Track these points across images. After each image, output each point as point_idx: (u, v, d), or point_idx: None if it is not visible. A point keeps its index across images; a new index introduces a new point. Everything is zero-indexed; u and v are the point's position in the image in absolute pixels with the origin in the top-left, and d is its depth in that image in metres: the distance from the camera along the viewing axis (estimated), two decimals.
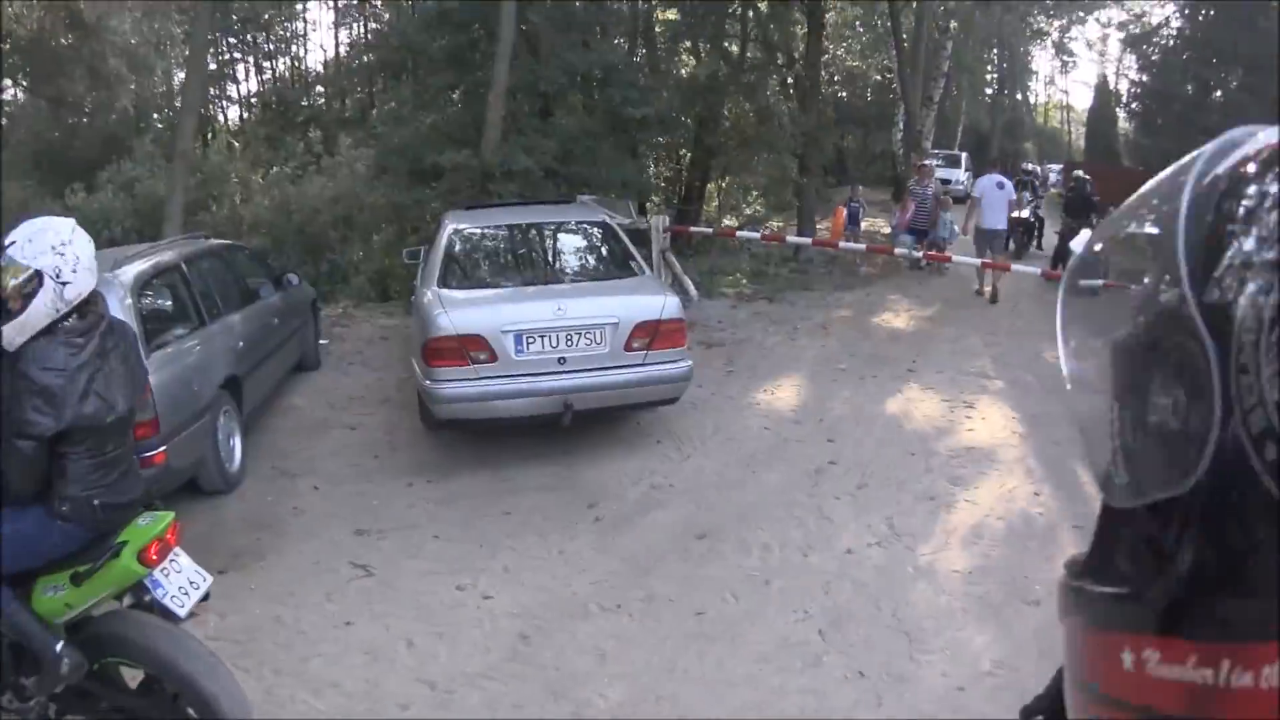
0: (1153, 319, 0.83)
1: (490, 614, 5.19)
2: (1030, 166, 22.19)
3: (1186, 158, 0.85)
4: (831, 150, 26.53)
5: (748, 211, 26.18)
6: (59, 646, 3.25)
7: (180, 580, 3.51)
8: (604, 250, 8.73)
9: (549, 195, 13.33)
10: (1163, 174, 0.93)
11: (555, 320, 7.03)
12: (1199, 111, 19.50)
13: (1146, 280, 0.85)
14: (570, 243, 9.05)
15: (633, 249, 8.62)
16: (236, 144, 25.59)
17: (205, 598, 3.64)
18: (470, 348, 6.88)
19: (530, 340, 7.00)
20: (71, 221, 3.46)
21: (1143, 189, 1.00)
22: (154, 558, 3.40)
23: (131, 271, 6.27)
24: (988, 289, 13.88)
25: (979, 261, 13.23)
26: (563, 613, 5.18)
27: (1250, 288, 0.71)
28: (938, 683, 4.57)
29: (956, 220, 16.30)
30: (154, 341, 6.01)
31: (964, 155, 35.08)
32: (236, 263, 8.81)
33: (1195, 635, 0.70)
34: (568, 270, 8.61)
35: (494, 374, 6.93)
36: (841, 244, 15.72)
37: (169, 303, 6.96)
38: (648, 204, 18.89)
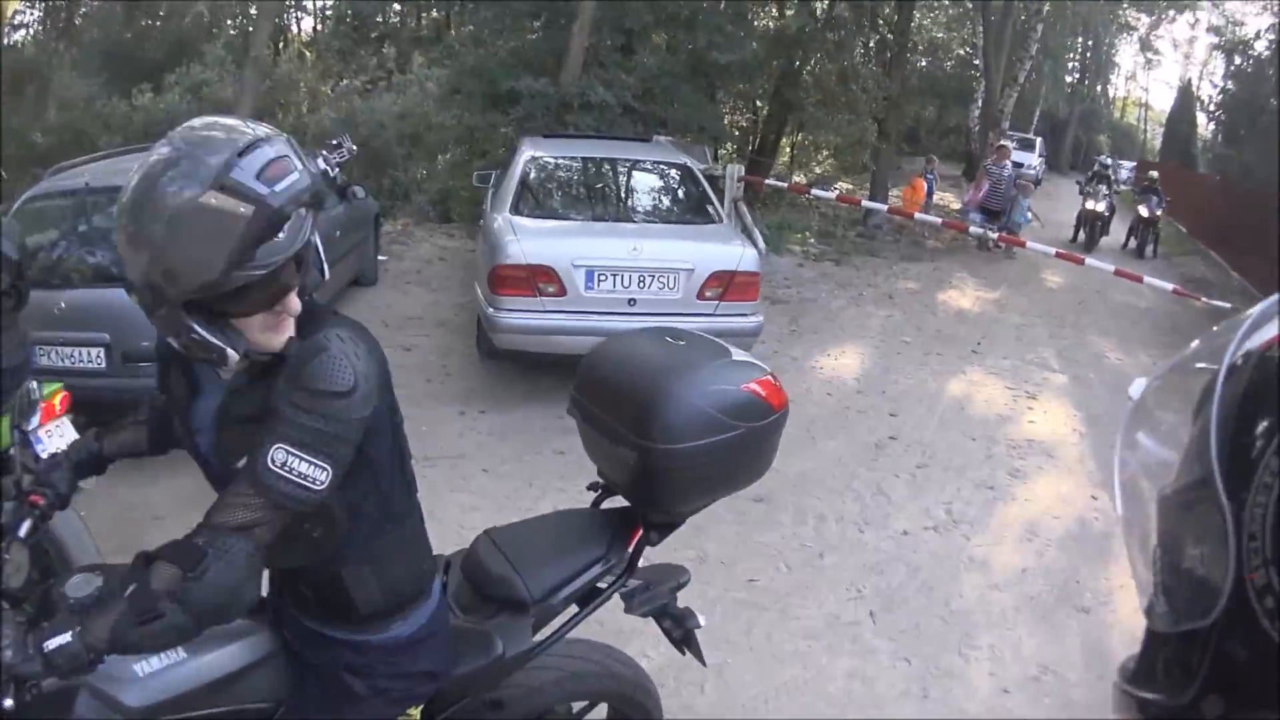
0: (1191, 483, 1.01)
1: None
2: (1107, 160, 21.69)
3: (1231, 322, 1.08)
4: (909, 119, 26.08)
5: (817, 170, 25.87)
6: None
7: (61, 444, 3.46)
8: (682, 194, 8.58)
9: (625, 131, 13.16)
10: (1209, 334, 1.18)
11: (629, 260, 6.92)
12: None
13: (1186, 444, 1.06)
14: (649, 182, 8.93)
15: (711, 194, 8.48)
16: (308, 54, 25.31)
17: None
18: (539, 279, 6.78)
19: (602, 278, 6.89)
20: None
21: (1190, 349, 1.26)
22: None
23: None
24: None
25: (1054, 250, 12.96)
26: None
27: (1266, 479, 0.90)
28: (984, 682, 4.53)
29: (1033, 206, 16.11)
30: None
31: (1039, 140, 34.44)
32: None
33: None
34: (645, 210, 8.50)
35: (560, 308, 6.83)
36: (917, 215, 15.47)
37: None
38: (721, 151, 18.68)
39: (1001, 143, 18.05)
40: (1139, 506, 1.25)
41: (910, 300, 12.02)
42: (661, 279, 6.99)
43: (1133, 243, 19.13)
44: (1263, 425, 0.94)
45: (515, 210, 7.46)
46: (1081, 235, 18.92)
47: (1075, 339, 10.92)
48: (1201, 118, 39.89)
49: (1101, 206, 18.83)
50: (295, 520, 1.78)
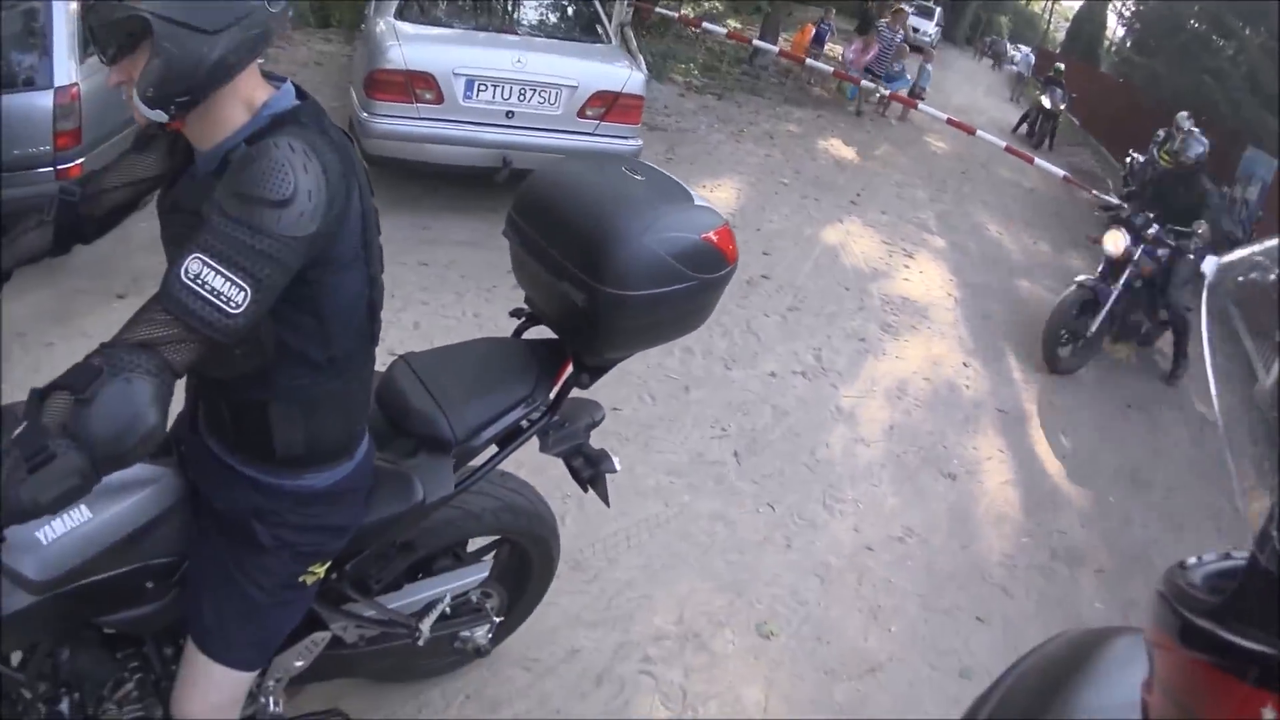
0: None
1: None
2: (1005, 43, 21.56)
3: None
4: None
5: (706, 5, 25.01)
6: None
7: None
8: (572, 11, 8.11)
9: None
10: None
11: (512, 72, 6.45)
12: (1206, 52, 18.76)
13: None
14: None
15: (602, 13, 8.03)
16: None
17: None
18: (417, 85, 6.27)
19: (481, 88, 6.41)
20: None
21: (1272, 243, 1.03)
22: None
23: None
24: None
25: (945, 116, 12.61)
26: None
27: None
28: (847, 538, 4.33)
29: (910, 70, 15.86)
30: (88, 49, 5.16)
31: (938, 9, 33.99)
32: None
33: None
34: (531, 23, 7.92)
35: (436, 116, 6.36)
36: (809, 60, 14.92)
37: None
38: None
39: (900, 6, 17.42)
40: (1238, 404, 0.94)
41: (791, 143, 11.58)
42: (543, 94, 6.54)
43: (1024, 129, 18.98)
44: None
45: (400, 15, 6.91)
46: (1024, 129, 18.75)
47: (956, 207, 10.74)
48: (1112, 19, 39.86)
49: (1062, 106, 18.57)
50: (213, 350, 1.52)
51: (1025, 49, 34.38)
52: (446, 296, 5.54)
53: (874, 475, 4.86)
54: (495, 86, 6.41)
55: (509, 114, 6.48)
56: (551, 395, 2.40)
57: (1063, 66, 20.40)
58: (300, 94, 1.75)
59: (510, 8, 7.97)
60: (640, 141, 7.14)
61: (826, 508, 4.46)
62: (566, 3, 8.20)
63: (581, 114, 6.65)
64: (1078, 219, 11.44)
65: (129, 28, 1.50)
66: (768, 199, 8.95)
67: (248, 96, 1.65)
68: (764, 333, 6.07)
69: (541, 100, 6.53)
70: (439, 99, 6.33)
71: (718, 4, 24.98)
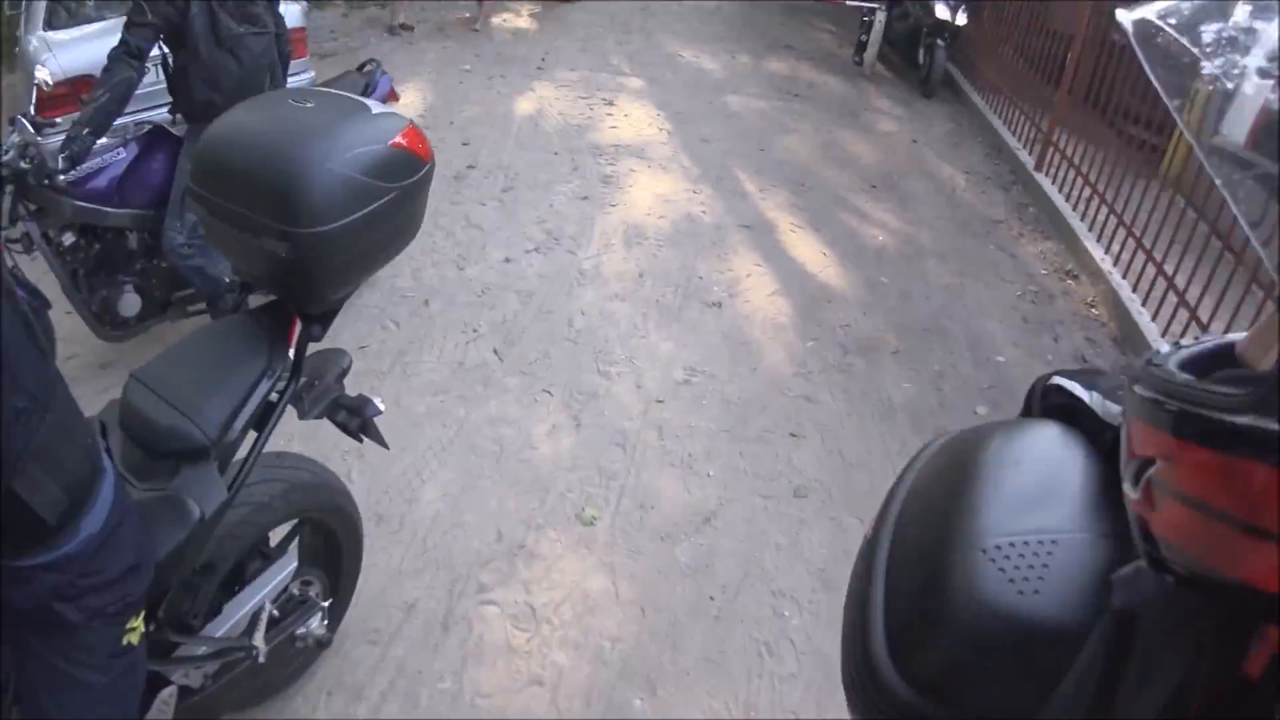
0: None
1: None
2: None
3: None
4: None
5: None
6: None
7: None
8: None
9: None
10: None
11: None
12: None
13: None
14: None
15: None
16: None
17: None
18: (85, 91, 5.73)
19: None
20: None
21: None
22: None
23: None
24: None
25: None
26: None
27: None
28: (633, 397, 4.12)
29: None
30: None
31: None
32: None
33: None
34: None
35: None
36: None
37: None
38: None
39: None
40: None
41: (463, 31, 11.01)
42: None
43: None
44: None
45: (50, 26, 6.54)
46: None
47: (644, 43, 10.45)
48: None
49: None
50: None
51: None
52: None
53: (638, 327, 4.64)
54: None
55: None
56: (290, 358, 2.22)
57: None
58: None
59: None
60: (313, 73, 6.87)
61: (602, 374, 4.23)
62: None
63: None
64: (768, 23, 11.40)
65: None
66: (453, 90, 8.46)
67: None
68: (486, 221, 5.70)
69: None
70: None
71: None
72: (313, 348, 2.25)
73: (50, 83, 5.83)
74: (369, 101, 2.13)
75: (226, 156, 2.05)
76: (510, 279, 5.05)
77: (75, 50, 6.08)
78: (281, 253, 1.98)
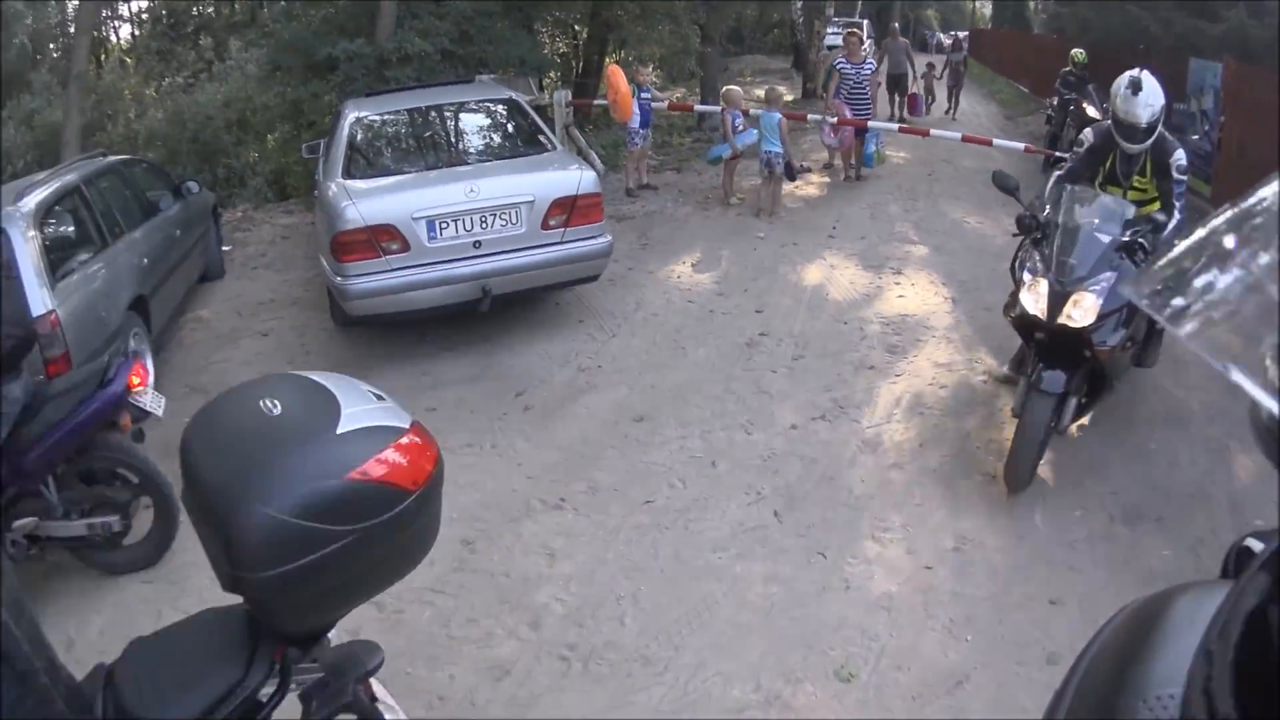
0: None
1: None
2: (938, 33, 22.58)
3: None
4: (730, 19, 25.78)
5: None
6: None
7: None
8: (511, 127, 8.26)
9: (448, 77, 12.66)
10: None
11: (468, 202, 6.62)
12: None
13: None
14: (476, 122, 8.56)
15: (541, 123, 8.21)
16: (129, 60, 24.91)
17: None
18: (381, 238, 6.45)
19: (444, 225, 6.58)
20: None
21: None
22: None
23: (31, 202, 5.70)
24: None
25: (896, 125, 12.71)
26: (504, 513, 4.87)
27: None
28: (904, 563, 4.36)
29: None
30: (59, 271, 5.51)
31: (865, 22, 34.22)
32: (134, 177, 8.08)
33: None
34: (476, 150, 8.16)
35: (407, 264, 6.52)
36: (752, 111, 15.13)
37: (71, 228, 6.34)
38: (545, 80, 18.20)
39: (853, 32, 13.24)
40: None
41: (755, 196, 11.77)
42: (503, 216, 6.71)
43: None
44: None
45: (347, 174, 7.08)
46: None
47: (930, 210, 10.85)
48: None
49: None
50: None
51: (961, 33, 34.90)
52: (459, 435, 5.66)
53: (914, 495, 4.90)
54: (456, 220, 6.58)
55: (476, 244, 6.64)
56: (274, 669, 2.02)
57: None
58: None
59: (452, 140, 8.23)
60: (609, 238, 7.26)
61: (876, 540, 4.51)
62: (505, 121, 8.38)
63: (545, 225, 6.81)
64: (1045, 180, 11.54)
65: None
66: (748, 257, 9.08)
67: None
68: (774, 389, 6.16)
69: (504, 222, 6.70)
70: (405, 246, 6.49)
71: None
72: (344, 637, 2.14)
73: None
74: (356, 396, 1.99)
75: (191, 463, 1.95)
76: (795, 445, 5.44)
77: (374, 200, 6.65)
78: (225, 584, 1.86)
